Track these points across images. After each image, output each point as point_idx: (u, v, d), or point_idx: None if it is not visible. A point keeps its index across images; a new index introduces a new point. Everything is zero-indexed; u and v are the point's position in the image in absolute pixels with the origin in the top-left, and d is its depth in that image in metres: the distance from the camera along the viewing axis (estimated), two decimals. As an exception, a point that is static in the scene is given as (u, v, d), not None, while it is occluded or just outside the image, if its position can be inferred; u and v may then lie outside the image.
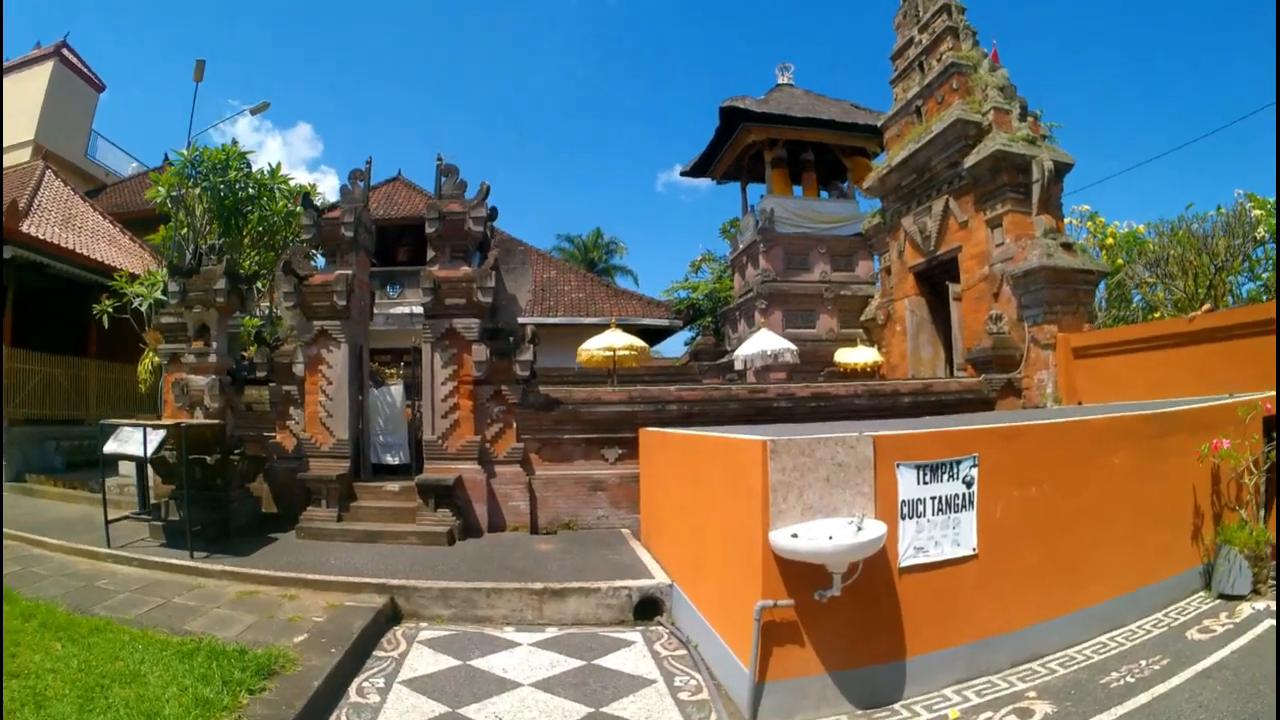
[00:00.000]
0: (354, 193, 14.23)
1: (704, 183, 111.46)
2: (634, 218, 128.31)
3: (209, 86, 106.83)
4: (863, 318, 24.30)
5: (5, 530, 12.80)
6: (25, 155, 31.06)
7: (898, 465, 6.59)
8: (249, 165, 17.63)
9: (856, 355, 22.09)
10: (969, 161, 17.39)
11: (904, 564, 6.59)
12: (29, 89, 36.60)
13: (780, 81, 34.26)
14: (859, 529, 6.05)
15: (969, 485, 6.95)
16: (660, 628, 8.75)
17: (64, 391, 20.62)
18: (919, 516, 6.69)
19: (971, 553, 6.92)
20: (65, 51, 37.94)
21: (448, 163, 14.10)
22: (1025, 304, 15.93)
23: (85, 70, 39.38)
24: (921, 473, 6.72)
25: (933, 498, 6.76)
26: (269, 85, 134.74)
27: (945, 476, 6.85)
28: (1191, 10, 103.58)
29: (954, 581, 6.84)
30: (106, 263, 20.45)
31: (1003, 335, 16.01)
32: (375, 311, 28.14)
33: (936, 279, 20.20)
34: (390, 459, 15.07)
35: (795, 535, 6.06)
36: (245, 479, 13.21)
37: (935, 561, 6.74)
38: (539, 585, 9.19)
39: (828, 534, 6.03)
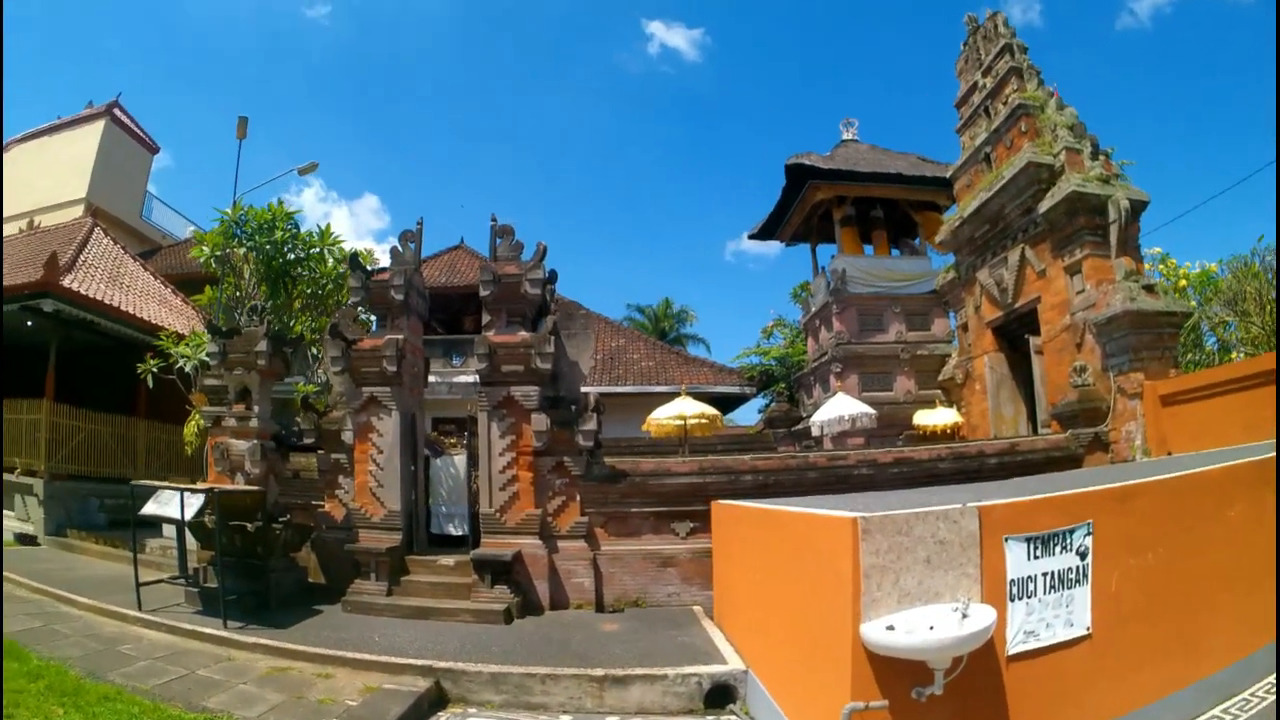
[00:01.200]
0: (404, 254, 14.01)
1: (772, 248, 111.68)
2: (703, 287, 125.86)
3: (272, 156, 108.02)
4: (940, 377, 23.51)
5: (32, 584, 12.97)
6: (77, 213, 31.55)
7: (1006, 540, 5.97)
8: (297, 226, 17.40)
9: (936, 417, 21.22)
10: (1043, 206, 16.72)
11: (1012, 651, 5.95)
12: (80, 148, 37.30)
13: (845, 137, 33.75)
14: (964, 616, 5.42)
15: (1083, 557, 6.33)
16: (733, 719, 8.11)
17: (110, 449, 20.72)
18: (1029, 596, 6.04)
19: (1085, 632, 6.28)
20: (117, 111, 38.68)
21: (502, 224, 13.89)
22: (1109, 352, 15.19)
23: (138, 131, 40.16)
24: (1032, 546, 6.09)
25: (1044, 574, 6.13)
26: (334, 156, 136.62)
27: (1057, 549, 6.21)
28: (1233, 33, 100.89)
29: (1066, 665, 6.21)
30: (155, 322, 20.67)
31: (1088, 387, 15.27)
32: (439, 380, 28.27)
33: (1015, 333, 19.49)
34: (453, 530, 14.75)
35: (891, 628, 5.44)
36: (289, 548, 12.88)
37: (1046, 646, 6.10)
38: (600, 671, 8.54)
39: (928, 624, 5.42)
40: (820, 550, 6.26)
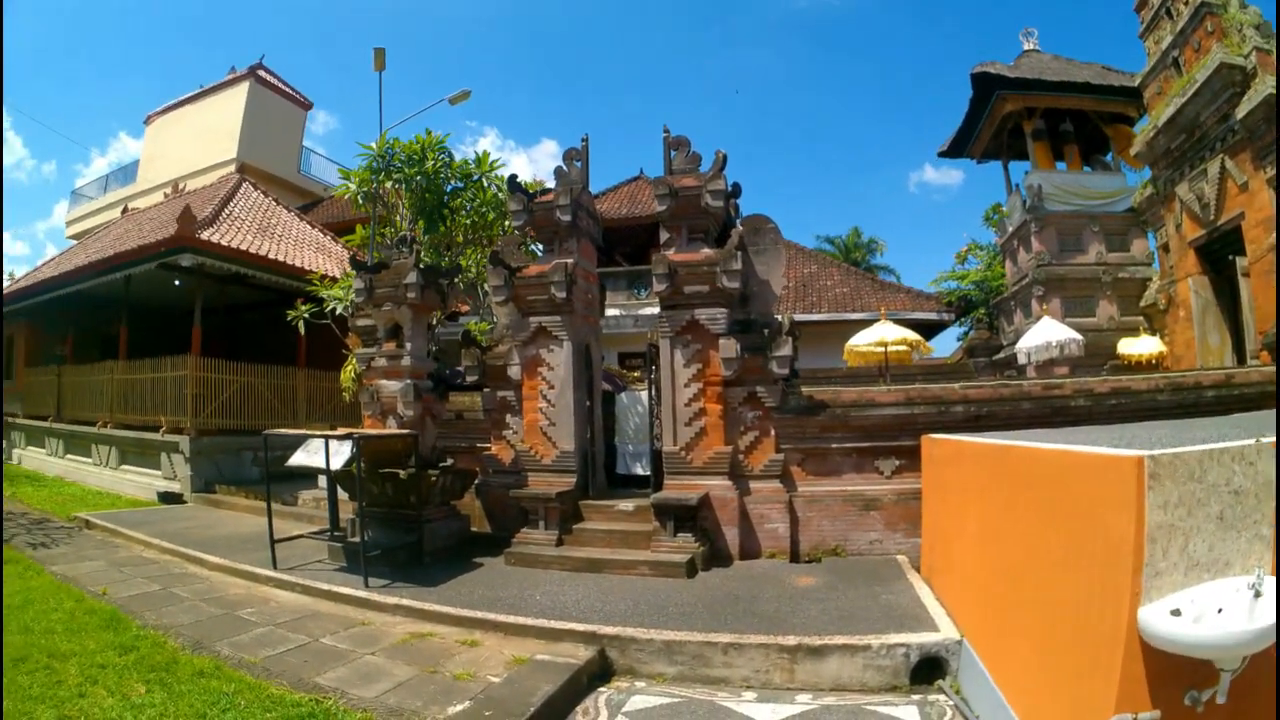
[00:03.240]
0: (569, 174, 13.08)
1: (954, 179, 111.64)
2: (889, 221, 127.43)
3: (453, 109, 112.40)
4: (1142, 303, 22.62)
5: (162, 545, 13.03)
6: (229, 174, 32.09)
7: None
8: (450, 154, 16.32)
9: (1140, 345, 20.73)
10: (1240, 112, 15.84)
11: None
12: (227, 110, 39.63)
13: (1026, 48, 31.98)
14: (1256, 594, 3.91)
15: None
16: (942, 697, 6.81)
17: (266, 401, 20.94)
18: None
19: None
20: (262, 72, 40.61)
21: (675, 135, 12.61)
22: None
23: (287, 90, 42.28)
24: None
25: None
26: (509, 105, 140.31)
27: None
28: None
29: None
30: (309, 268, 20.50)
31: (1300, 313, 13.57)
32: (623, 314, 28.09)
33: (1219, 253, 18.61)
34: (640, 470, 14.08)
35: (1178, 612, 3.92)
36: (448, 495, 12.30)
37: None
38: (792, 640, 7.30)
39: (1216, 605, 3.93)
40: (1082, 500, 4.69)
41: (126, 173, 46.22)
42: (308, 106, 44.31)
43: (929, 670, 7.04)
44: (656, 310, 13.38)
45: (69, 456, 24.77)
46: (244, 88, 40.03)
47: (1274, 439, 4.34)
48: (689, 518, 10.90)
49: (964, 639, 7.09)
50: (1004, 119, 30.06)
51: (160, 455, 20.00)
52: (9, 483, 21.66)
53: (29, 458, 27.81)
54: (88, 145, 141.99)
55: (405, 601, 9.03)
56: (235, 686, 6.48)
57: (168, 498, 18.51)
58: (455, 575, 10.37)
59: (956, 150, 33.54)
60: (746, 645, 7.27)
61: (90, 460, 23.26)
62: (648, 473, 13.53)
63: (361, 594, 9.45)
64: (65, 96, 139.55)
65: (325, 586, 9.85)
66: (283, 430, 12.85)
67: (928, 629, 7.48)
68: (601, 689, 7.11)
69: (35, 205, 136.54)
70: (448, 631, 8.26)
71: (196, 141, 39.83)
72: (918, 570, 10.04)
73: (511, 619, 8.24)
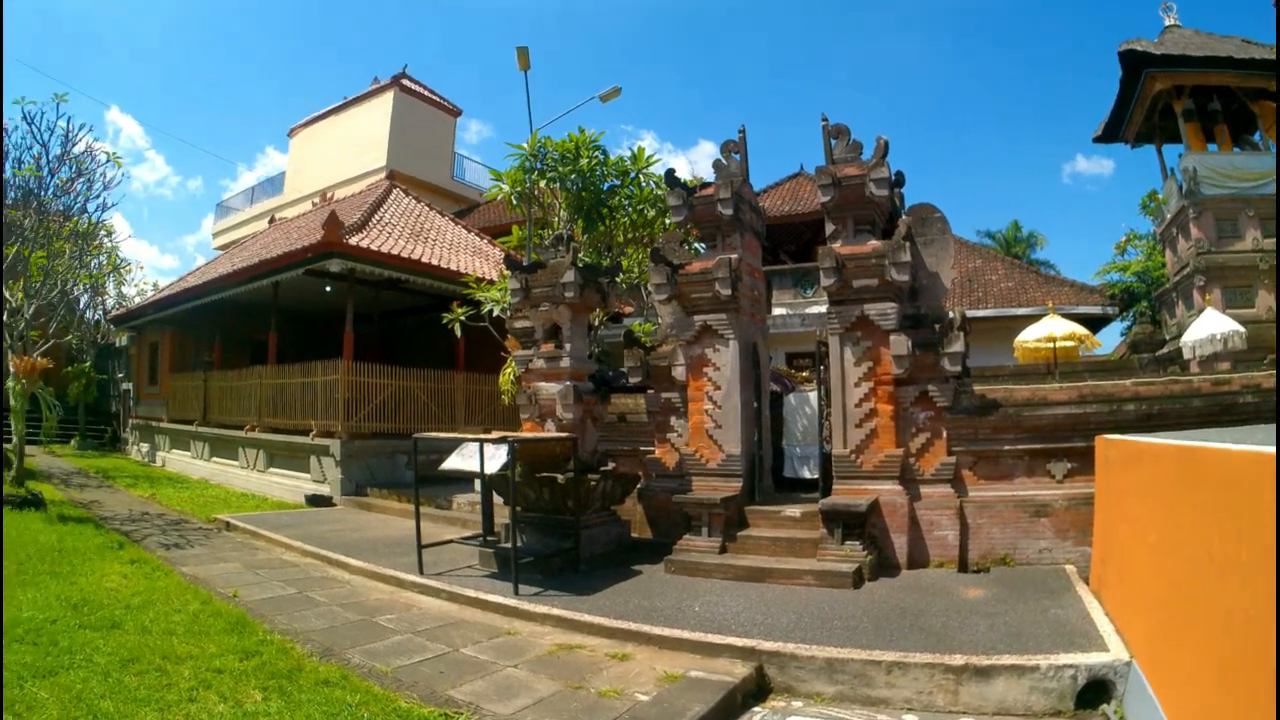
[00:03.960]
0: (729, 166, 12.93)
1: (1106, 170, 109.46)
2: (1043, 213, 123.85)
3: (607, 111, 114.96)
4: None
5: (303, 547, 13.23)
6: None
7: None
8: (604, 152, 16.20)
9: None
10: None
11: None
12: (373, 120, 40.96)
13: (1167, 23, 30.92)
14: None
15: None
16: None
17: (421, 405, 21.30)
18: None
19: None
20: (406, 81, 41.74)
21: (835, 123, 12.38)
22: None
23: (434, 97, 43.75)
24: None
25: None
26: (665, 109, 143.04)
27: None
28: None
29: None
30: (467, 272, 20.83)
31: None
32: (790, 313, 28.24)
33: None
34: (807, 473, 13.94)
35: None
36: (609, 500, 12.31)
37: None
38: (959, 659, 6.88)
39: None
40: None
41: (273, 185, 48.39)
42: (456, 113, 45.38)
43: (1095, 694, 6.67)
44: (824, 309, 13.13)
45: (215, 459, 25.70)
46: (389, 97, 41.21)
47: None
48: (858, 525, 10.60)
49: (1133, 660, 6.66)
50: (1154, 99, 29.10)
51: (310, 458, 20.56)
52: (151, 485, 22.56)
53: (173, 460, 29.05)
54: (234, 160, 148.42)
55: (555, 611, 8.90)
56: (360, 697, 6.33)
57: (316, 500, 18.95)
58: (611, 584, 10.27)
59: (1110, 135, 32.73)
60: (911, 665, 6.93)
61: (237, 463, 24.06)
62: (814, 476, 13.35)
63: (510, 602, 9.37)
64: (210, 114, 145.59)
65: (472, 593, 9.80)
66: (433, 434, 13.14)
67: (1097, 649, 7.05)
68: (756, 709, 6.85)
69: (183, 220, 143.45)
70: (598, 643, 8.07)
71: (343, 151, 41.35)
72: (1086, 582, 9.61)
73: (666, 631, 8.03)
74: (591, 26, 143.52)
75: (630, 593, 9.77)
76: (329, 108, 45.52)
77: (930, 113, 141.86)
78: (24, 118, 19.00)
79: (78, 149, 20.12)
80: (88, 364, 38.72)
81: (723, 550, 11.12)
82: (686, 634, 7.86)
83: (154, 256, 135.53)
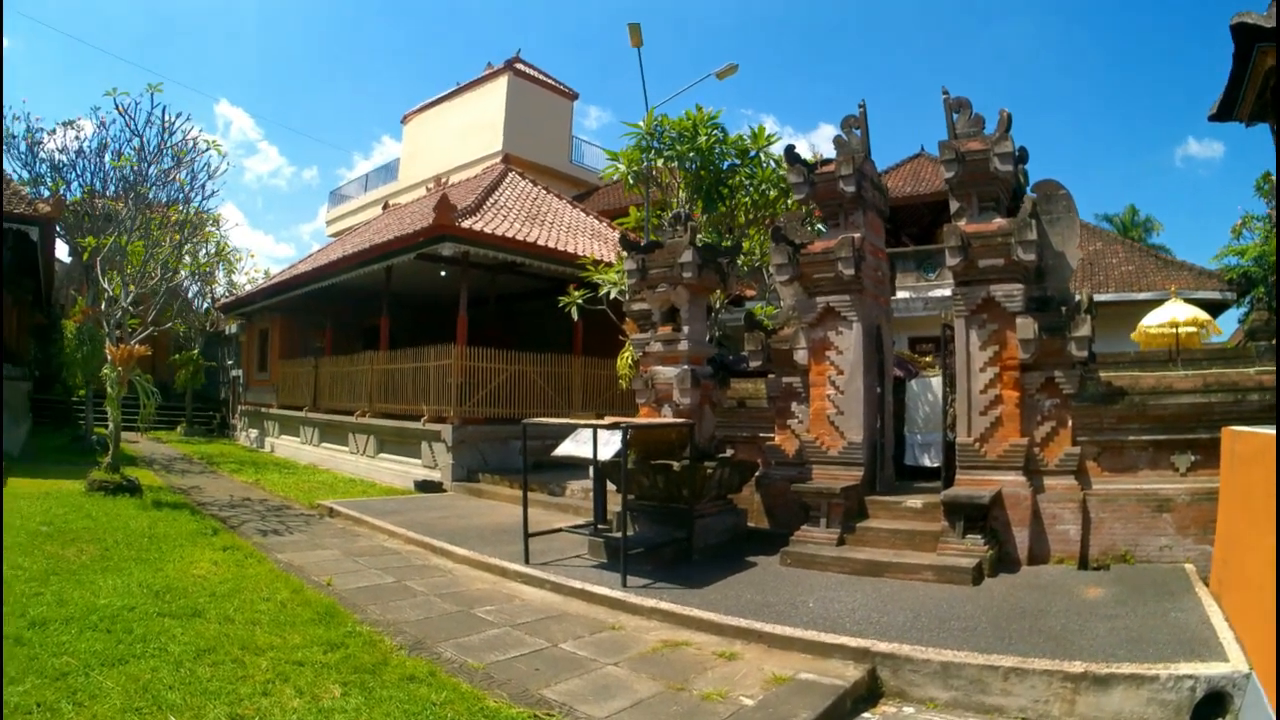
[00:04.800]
0: (850, 142, 12.83)
1: (1217, 153, 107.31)
2: (1156, 198, 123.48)
3: (725, 95, 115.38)
4: None
5: (407, 534, 13.41)
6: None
7: None
8: (723, 130, 16.20)
9: None
10: None
11: None
12: (487, 105, 41.94)
13: (1273, -5, 30.00)
14: None
15: None
16: None
17: (538, 389, 21.71)
18: None
19: None
20: (520, 65, 42.51)
21: (955, 97, 12.28)
22: None
23: (549, 81, 44.60)
24: None
25: None
26: (784, 92, 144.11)
27: None
28: None
29: None
30: (581, 254, 21.03)
31: None
32: (913, 296, 28.43)
33: None
34: (927, 461, 13.87)
35: None
36: (725, 489, 12.30)
37: None
38: (1078, 666, 6.63)
39: None
40: None
41: (387, 171, 49.94)
42: (573, 97, 45.88)
43: (1211, 707, 6.39)
44: (947, 292, 13.10)
45: (324, 445, 26.54)
46: (503, 82, 41.83)
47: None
48: (980, 517, 10.59)
49: (1252, 672, 6.36)
50: (1266, 74, 28.37)
51: (421, 444, 21.03)
52: (256, 470, 23.39)
53: (282, 446, 30.13)
54: (349, 150, 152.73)
55: (663, 605, 8.83)
56: (446, 695, 6.20)
57: (425, 486, 19.39)
58: (723, 576, 10.27)
59: (1225, 113, 31.87)
60: (1030, 671, 6.72)
61: (346, 449, 24.81)
62: (935, 464, 13.35)
63: (617, 594, 9.35)
64: (325, 105, 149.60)
65: (578, 585, 9.80)
66: (543, 419, 13.33)
67: (1216, 658, 6.76)
68: (865, 715, 6.69)
69: (298, 210, 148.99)
70: (705, 640, 7.99)
71: (458, 137, 42.25)
72: (1205, 583, 9.45)
73: (777, 629, 7.90)
74: (706, 8, 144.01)
75: (743, 586, 9.75)
76: (442, 94, 46.38)
77: (1036, 95, 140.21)
78: (118, 109, 19.54)
79: (175, 138, 20.53)
80: (196, 351, 40.08)
81: (841, 542, 11.12)
82: (798, 632, 7.78)
83: (269, 246, 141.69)
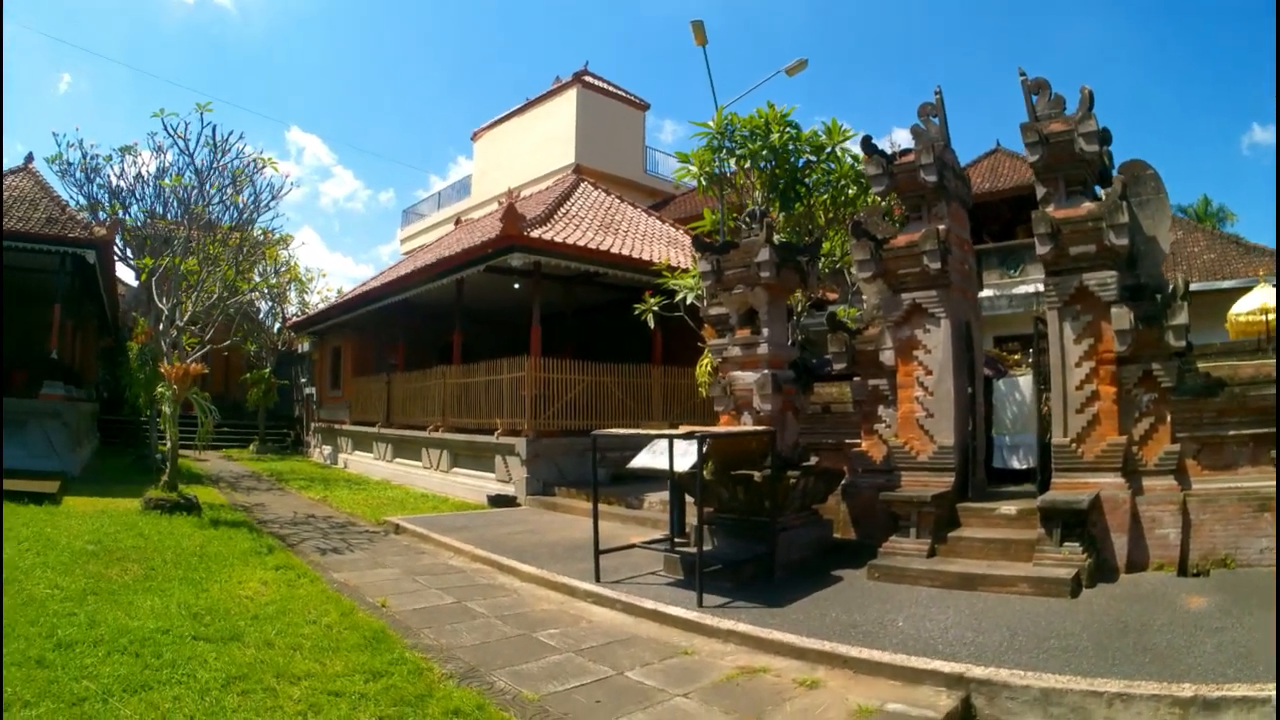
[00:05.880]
0: (928, 131, 12.49)
1: None
2: (1225, 186, 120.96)
3: (795, 98, 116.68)
4: None
5: (473, 551, 13.25)
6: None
7: None
8: (796, 127, 15.96)
9: None
10: None
11: None
12: (557, 118, 42.68)
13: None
14: None
15: None
16: None
17: (617, 401, 21.71)
18: None
19: None
20: (588, 78, 43.32)
21: (1034, 78, 11.89)
22: None
23: (618, 92, 45.37)
24: None
25: None
26: (851, 93, 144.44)
27: None
28: None
29: None
30: (662, 261, 20.62)
31: None
32: (996, 294, 28.17)
33: None
34: (1016, 463, 13.41)
35: None
36: (809, 499, 12.00)
37: None
38: (1188, 690, 6.17)
39: None
40: None
41: (460, 189, 50.87)
42: (644, 107, 46.42)
43: None
44: (1031, 289, 12.74)
45: (397, 460, 26.85)
46: (572, 94, 42.36)
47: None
48: (1078, 523, 10.11)
49: None
50: None
51: (494, 458, 21.10)
52: (326, 486, 23.68)
53: (355, 462, 30.60)
54: (425, 170, 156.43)
55: (740, 626, 8.46)
56: None
57: (499, 501, 19.38)
58: (807, 593, 9.90)
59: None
60: (1136, 696, 6.26)
61: (420, 464, 25.00)
62: (1024, 466, 13.04)
63: (692, 615, 8.98)
64: (399, 129, 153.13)
65: (650, 605, 9.45)
66: (612, 430, 13.07)
67: None
68: None
69: (376, 232, 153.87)
70: (785, 666, 7.55)
71: (530, 151, 42.86)
72: None
73: (863, 653, 7.45)
74: (769, 12, 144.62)
75: (828, 604, 9.39)
76: (512, 109, 46.98)
77: (1103, 88, 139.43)
78: (166, 129, 19.32)
79: (229, 158, 20.54)
80: (267, 370, 40.75)
81: (931, 553, 10.83)
82: (886, 657, 7.33)
83: (349, 267, 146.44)
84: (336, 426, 33.57)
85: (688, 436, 10.40)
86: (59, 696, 5.98)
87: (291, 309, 44.68)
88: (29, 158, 25.82)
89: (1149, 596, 9.15)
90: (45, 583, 9.50)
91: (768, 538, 10.94)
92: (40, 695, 5.97)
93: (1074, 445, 10.93)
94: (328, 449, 34.74)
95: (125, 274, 27.20)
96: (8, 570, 9.82)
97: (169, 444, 17.02)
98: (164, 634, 7.80)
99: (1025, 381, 13.45)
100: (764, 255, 11.65)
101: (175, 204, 20.14)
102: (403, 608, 9.68)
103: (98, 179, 20.40)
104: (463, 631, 8.70)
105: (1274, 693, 6.05)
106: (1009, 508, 11.07)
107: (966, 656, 7.20)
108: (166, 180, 19.85)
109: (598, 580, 10.60)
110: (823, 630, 8.20)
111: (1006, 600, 9.25)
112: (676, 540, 11.87)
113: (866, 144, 12.80)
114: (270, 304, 44.59)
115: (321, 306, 40.18)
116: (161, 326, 18.18)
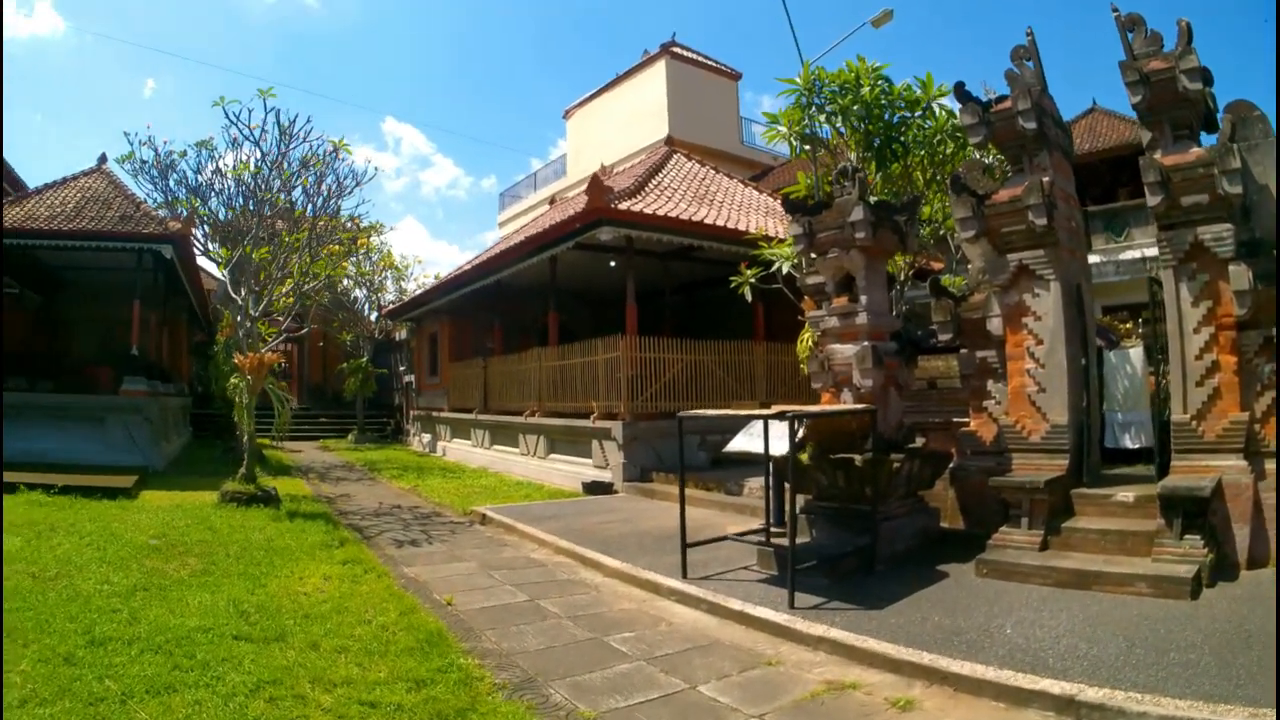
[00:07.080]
0: (1023, 75, 11.68)
1: None
2: None
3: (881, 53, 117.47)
4: None
5: (557, 544, 12.95)
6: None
7: None
8: (889, 81, 15.37)
9: None
10: None
11: None
12: (648, 91, 43.19)
13: None
14: None
15: None
16: None
17: (719, 380, 21.36)
18: None
19: None
20: (676, 49, 43.58)
21: (1128, 14, 11.13)
22: None
23: (709, 62, 45.38)
24: None
25: None
26: (940, 51, 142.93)
27: None
28: None
29: None
30: (760, 232, 19.83)
31: None
32: (1103, 259, 27.29)
33: None
34: (1129, 442, 12.72)
35: None
36: (914, 485, 11.36)
37: None
38: None
39: None
40: None
41: (556, 169, 51.45)
42: (736, 77, 46.29)
43: None
44: (1139, 254, 12.02)
45: (495, 447, 26.98)
46: (660, 66, 42.57)
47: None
48: (1199, 512, 9.10)
49: None
50: None
51: (591, 442, 20.90)
52: (419, 475, 23.95)
53: (453, 450, 30.92)
54: (525, 154, 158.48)
55: (833, 633, 7.79)
56: None
57: (594, 488, 19.13)
58: (909, 592, 9.23)
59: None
60: None
61: (516, 450, 25.02)
62: (1136, 444, 12.42)
63: (781, 618, 8.35)
64: (499, 114, 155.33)
65: (736, 605, 8.87)
66: (700, 411, 12.97)
67: None
68: None
69: (480, 218, 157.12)
70: (878, 681, 6.89)
71: (622, 126, 43.19)
72: None
73: (965, 668, 6.76)
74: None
75: (930, 605, 8.71)
76: (601, 85, 47.39)
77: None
78: (226, 116, 19.60)
79: (296, 144, 20.50)
80: (365, 359, 41.43)
81: (1044, 546, 9.97)
82: (991, 673, 6.62)
83: (454, 255, 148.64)
84: (434, 414, 33.92)
85: (779, 416, 9.79)
86: (78, 695, 5.88)
87: (389, 297, 45.14)
88: (102, 158, 26.31)
89: (1269, 597, 8.07)
90: (96, 578, 9.45)
91: (869, 528, 10.34)
92: (59, 694, 5.88)
93: (1194, 423, 10.05)
94: (426, 437, 35.17)
95: (215, 269, 27.69)
96: (61, 566, 9.88)
97: (245, 436, 17.14)
98: (204, 633, 7.61)
99: (1136, 353, 12.77)
100: (858, 214, 10.91)
101: (246, 193, 20.32)
102: (469, 606, 9.35)
103: (173, 175, 20.65)
104: (528, 634, 8.30)
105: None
106: (1126, 494, 10.22)
107: (1080, 673, 6.52)
108: (234, 168, 20.01)
109: (684, 576, 10.06)
110: (923, 638, 7.55)
111: (1123, 603, 8.44)
112: (773, 531, 11.30)
113: (960, 91, 12.03)
114: (366, 292, 45.27)
115: (418, 293, 40.27)
116: (239, 317, 18.32)
